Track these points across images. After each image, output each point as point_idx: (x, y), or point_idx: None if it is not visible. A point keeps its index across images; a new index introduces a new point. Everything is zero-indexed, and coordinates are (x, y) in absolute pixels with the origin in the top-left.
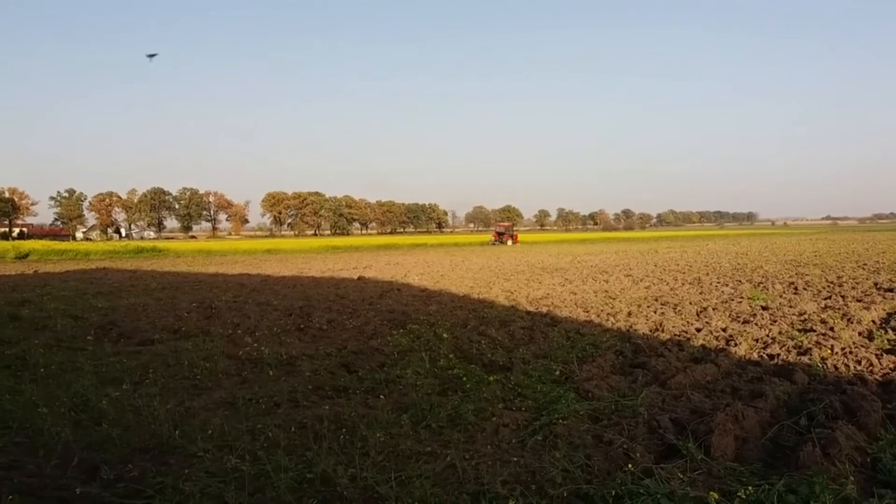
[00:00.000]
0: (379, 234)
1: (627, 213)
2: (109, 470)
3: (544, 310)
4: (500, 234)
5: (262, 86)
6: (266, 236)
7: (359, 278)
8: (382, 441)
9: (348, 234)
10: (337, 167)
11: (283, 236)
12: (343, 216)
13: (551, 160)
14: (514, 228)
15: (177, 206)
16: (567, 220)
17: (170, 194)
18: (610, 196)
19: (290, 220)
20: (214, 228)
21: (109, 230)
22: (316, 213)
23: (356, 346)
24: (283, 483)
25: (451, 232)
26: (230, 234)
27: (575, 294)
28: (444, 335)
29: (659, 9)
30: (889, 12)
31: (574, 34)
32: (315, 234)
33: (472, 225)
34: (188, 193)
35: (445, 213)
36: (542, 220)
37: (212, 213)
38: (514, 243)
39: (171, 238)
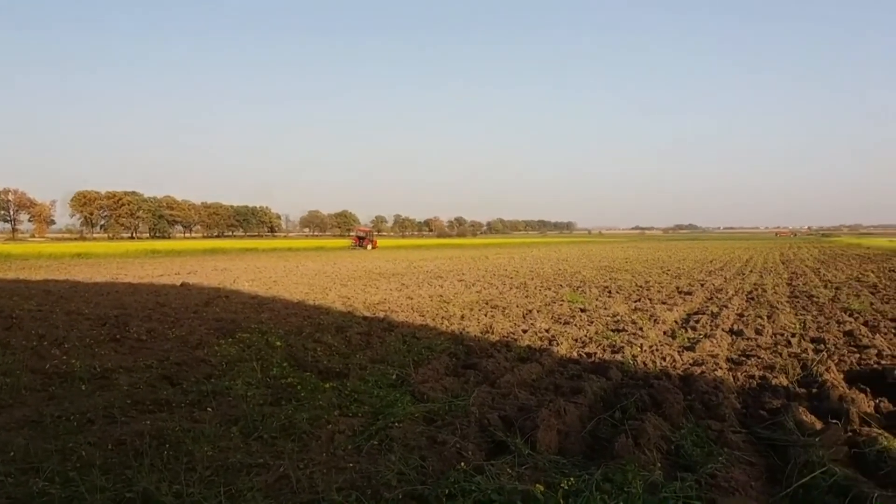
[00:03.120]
0: (204, 237)
1: (460, 221)
2: None
3: (381, 315)
4: (360, 239)
5: (73, 75)
6: (75, 239)
7: (182, 285)
8: (210, 455)
9: (169, 238)
10: (157, 165)
11: (94, 239)
12: (163, 218)
13: (387, 166)
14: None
15: None
16: (403, 226)
17: None
18: (443, 203)
19: (102, 222)
20: (14, 230)
21: None
22: (133, 214)
23: (179, 357)
24: None
25: (285, 237)
26: (33, 236)
27: (411, 299)
28: (277, 343)
29: (458, 17)
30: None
31: (399, 43)
32: (132, 237)
33: (307, 230)
34: None
35: (278, 217)
36: (378, 225)
37: (11, 212)
38: (373, 248)
39: None
